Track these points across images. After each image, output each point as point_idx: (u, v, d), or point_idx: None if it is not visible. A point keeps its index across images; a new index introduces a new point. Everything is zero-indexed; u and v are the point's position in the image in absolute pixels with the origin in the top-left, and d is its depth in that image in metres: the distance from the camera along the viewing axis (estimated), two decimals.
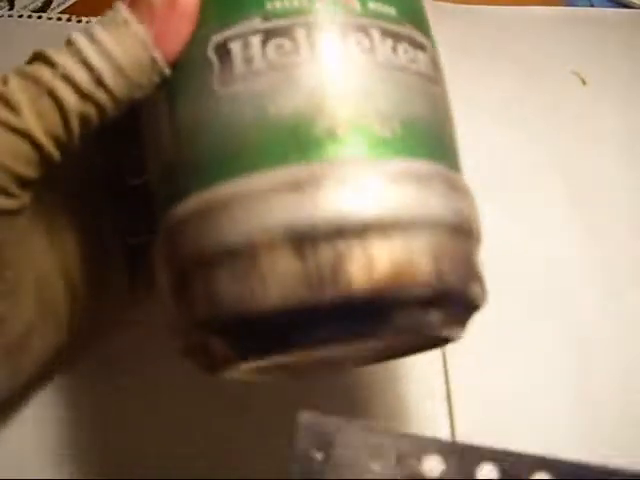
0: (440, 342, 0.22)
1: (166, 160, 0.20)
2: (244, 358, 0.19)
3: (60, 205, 0.24)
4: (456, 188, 0.20)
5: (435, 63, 0.22)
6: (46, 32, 0.41)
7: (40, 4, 0.43)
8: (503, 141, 0.37)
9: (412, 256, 0.18)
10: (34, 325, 0.24)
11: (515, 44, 0.42)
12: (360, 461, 0.17)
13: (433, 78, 0.21)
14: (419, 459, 0.17)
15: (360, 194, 0.18)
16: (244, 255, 0.18)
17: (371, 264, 0.18)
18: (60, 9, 0.43)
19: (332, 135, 0.19)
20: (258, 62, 0.19)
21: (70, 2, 0.43)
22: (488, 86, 0.39)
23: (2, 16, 0.42)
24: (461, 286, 0.19)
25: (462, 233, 0.20)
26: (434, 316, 0.19)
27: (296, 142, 0.19)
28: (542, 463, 0.17)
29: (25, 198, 0.20)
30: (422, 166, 0.19)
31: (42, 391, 0.28)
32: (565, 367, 0.30)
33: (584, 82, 0.40)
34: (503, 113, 0.38)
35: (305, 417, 0.18)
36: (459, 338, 0.21)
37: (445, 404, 0.29)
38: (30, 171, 0.20)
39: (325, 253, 0.18)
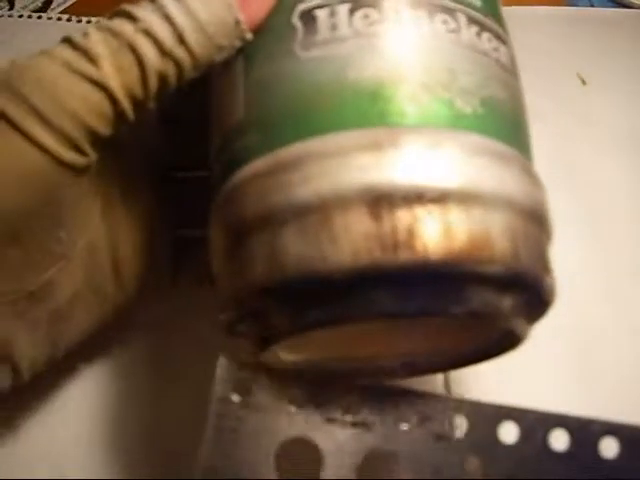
0: (506, 343, 0.20)
1: (235, 121, 0.20)
2: (306, 327, 0.18)
3: (119, 179, 0.24)
4: (532, 176, 0.19)
5: (513, 60, 0.22)
6: (46, 32, 0.41)
7: (40, 4, 0.43)
8: None
9: (491, 231, 0.17)
10: (81, 295, 0.23)
11: (515, 44, 0.41)
12: (277, 404, 0.19)
13: (511, 71, 0.21)
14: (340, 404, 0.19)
15: (442, 161, 0.17)
16: (315, 214, 0.17)
17: (449, 232, 0.17)
18: (60, 9, 0.43)
19: (415, 100, 0.18)
20: (343, 29, 0.19)
21: (70, 2, 0.43)
22: None
23: (2, 16, 0.42)
24: (537, 273, 0.18)
25: (537, 221, 0.19)
26: (508, 301, 0.18)
27: (376, 105, 0.18)
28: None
29: (93, 157, 0.19)
30: (501, 147, 0.19)
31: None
32: (565, 367, 0.29)
33: (584, 82, 0.39)
34: None
35: (223, 362, 0.18)
36: (526, 338, 0.20)
37: None
38: (103, 127, 0.19)
39: (402, 216, 0.17)
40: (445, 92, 0.19)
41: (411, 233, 0.17)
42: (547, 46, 0.41)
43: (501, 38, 0.21)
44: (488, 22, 0.21)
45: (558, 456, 0.19)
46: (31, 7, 0.43)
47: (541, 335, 0.28)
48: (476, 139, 0.18)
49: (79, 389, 0.27)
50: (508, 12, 0.44)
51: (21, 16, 0.42)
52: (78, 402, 0.27)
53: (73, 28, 0.41)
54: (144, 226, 0.25)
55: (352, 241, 0.17)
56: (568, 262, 0.31)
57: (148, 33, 0.19)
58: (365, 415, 0.20)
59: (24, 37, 0.40)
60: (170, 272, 0.27)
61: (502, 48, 0.21)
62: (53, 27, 0.41)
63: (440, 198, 0.17)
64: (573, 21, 0.43)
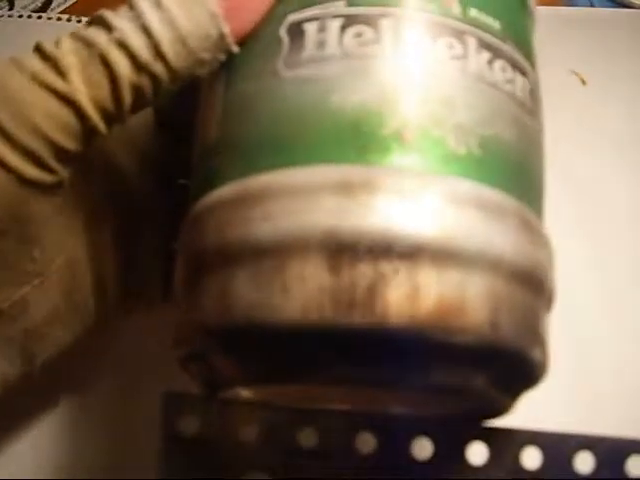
0: (487, 413, 0.18)
1: (210, 139, 0.18)
2: (248, 382, 0.16)
3: (102, 193, 0.22)
4: (533, 232, 0.17)
5: (534, 94, 0.19)
6: (46, 32, 0.40)
7: (40, 4, 0.43)
8: None
9: (466, 295, 0.15)
10: (59, 312, 0.22)
11: None
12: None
13: (529, 108, 0.18)
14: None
15: (418, 210, 0.15)
16: (271, 257, 0.15)
17: (416, 294, 0.15)
18: (60, 9, 0.43)
19: (399, 139, 0.16)
20: (332, 47, 0.17)
21: (70, 2, 0.43)
22: None
23: (2, 16, 0.42)
24: (519, 346, 0.16)
25: (531, 285, 0.16)
26: (481, 377, 0.16)
27: (356, 139, 0.16)
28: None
29: (63, 174, 0.18)
30: (496, 196, 0.16)
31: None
32: (564, 367, 0.27)
33: (584, 82, 0.39)
34: None
35: (169, 394, 0.17)
36: (507, 413, 0.18)
37: None
38: (71, 143, 0.17)
39: (364, 271, 0.15)
40: (437, 129, 0.16)
41: (371, 292, 0.15)
42: (547, 46, 0.40)
43: (519, 68, 0.18)
44: (505, 48, 0.18)
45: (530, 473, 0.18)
46: (31, 7, 0.43)
47: None
48: (465, 186, 0.16)
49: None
50: None
51: (21, 16, 0.42)
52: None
53: (73, 28, 0.39)
54: (132, 241, 0.23)
55: (304, 294, 0.15)
56: (567, 262, 0.31)
57: (122, 44, 0.17)
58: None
59: (24, 37, 0.40)
60: (162, 286, 0.25)
61: (519, 80, 0.18)
62: (53, 27, 0.41)
63: (410, 254, 0.15)
64: (573, 21, 0.43)
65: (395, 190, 0.15)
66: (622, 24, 0.43)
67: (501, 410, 0.18)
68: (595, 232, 0.33)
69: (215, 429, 0.17)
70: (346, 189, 0.15)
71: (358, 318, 0.15)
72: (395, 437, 0.17)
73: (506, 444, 0.18)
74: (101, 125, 0.17)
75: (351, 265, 0.15)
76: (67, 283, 0.22)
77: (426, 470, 0.17)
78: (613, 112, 0.38)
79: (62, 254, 0.21)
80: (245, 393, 0.18)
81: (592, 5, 0.46)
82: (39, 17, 0.42)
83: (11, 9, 0.43)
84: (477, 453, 0.18)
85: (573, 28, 0.42)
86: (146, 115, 0.24)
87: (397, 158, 0.16)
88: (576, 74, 0.39)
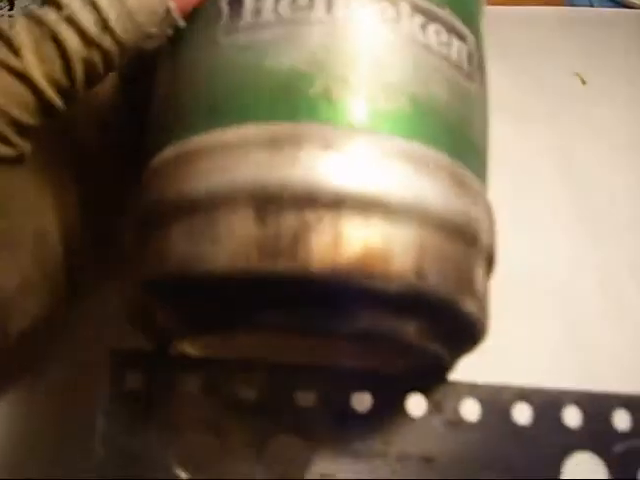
0: (432, 371, 0.18)
1: (159, 103, 0.19)
2: (187, 333, 0.17)
3: (70, 163, 0.23)
4: (465, 188, 0.17)
5: (473, 58, 0.19)
6: None
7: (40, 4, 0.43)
8: (502, 141, 0.36)
9: (390, 244, 0.15)
10: (30, 283, 0.22)
11: (515, 44, 0.41)
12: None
13: (466, 72, 0.19)
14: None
15: (342, 162, 0.16)
16: (203, 211, 0.16)
17: (338, 242, 0.15)
18: None
19: (327, 96, 0.17)
20: (267, 14, 0.18)
21: None
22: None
23: (2, 16, 0.42)
24: (447, 295, 0.16)
25: (462, 239, 0.17)
26: (411, 326, 0.16)
27: (286, 99, 0.17)
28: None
29: (24, 147, 0.19)
30: (425, 151, 0.17)
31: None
32: (565, 368, 0.29)
33: (584, 82, 0.40)
34: (503, 113, 0.37)
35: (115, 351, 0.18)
36: (454, 363, 0.18)
37: None
38: (28, 117, 0.18)
39: (289, 220, 0.15)
40: (365, 87, 0.17)
41: (295, 240, 0.15)
42: (546, 46, 0.41)
43: (457, 32, 0.19)
44: (442, 14, 0.19)
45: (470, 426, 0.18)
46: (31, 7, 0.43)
47: (539, 334, 0.29)
48: (392, 140, 0.16)
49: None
50: (508, 12, 0.44)
51: None
52: None
53: None
54: (101, 212, 0.24)
55: (233, 244, 0.15)
56: (567, 262, 0.31)
57: (71, 21, 0.18)
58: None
59: None
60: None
61: (456, 43, 0.19)
62: None
63: (334, 203, 0.15)
64: (572, 21, 0.43)
65: (320, 143, 0.16)
66: (622, 24, 0.43)
67: (446, 368, 0.18)
68: (595, 232, 0.33)
69: (158, 384, 0.17)
70: (274, 144, 0.16)
71: (282, 265, 0.15)
72: (334, 391, 0.18)
73: (445, 396, 0.18)
74: (56, 99, 0.18)
75: (277, 215, 0.15)
76: (38, 253, 0.22)
77: (366, 422, 0.18)
78: (613, 112, 0.38)
79: (31, 224, 0.22)
80: (191, 350, 0.19)
81: (592, 5, 0.46)
82: None
83: (11, 9, 0.43)
84: (416, 405, 0.18)
85: (573, 28, 0.43)
86: (110, 84, 0.25)
87: (324, 114, 0.17)
88: (576, 74, 0.40)
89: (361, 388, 0.18)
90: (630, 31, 0.43)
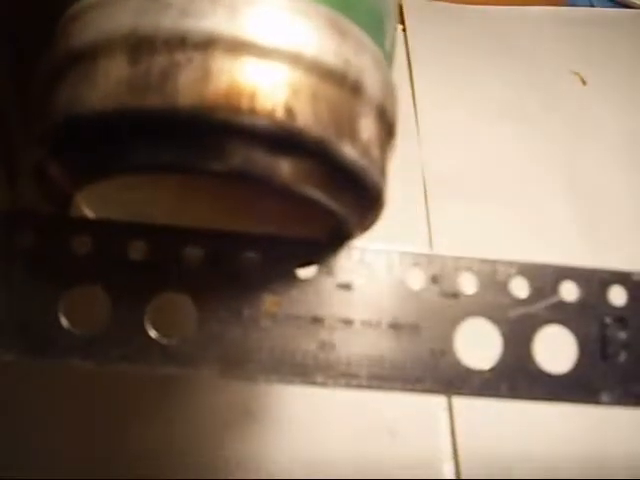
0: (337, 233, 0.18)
1: None
2: (76, 184, 0.17)
3: None
4: (347, 37, 0.17)
5: None
6: None
7: None
8: (503, 141, 0.36)
9: (259, 81, 0.16)
10: None
11: (515, 44, 0.42)
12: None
13: None
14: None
15: (215, 7, 0.16)
16: (86, 60, 0.17)
17: (205, 77, 0.15)
18: None
19: None
20: None
21: None
22: (488, 86, 0.39)
23: None
24: (319, 135, 0.16)
25: (338, 83, 0.17)
26: (284, 164, 0.16)
27: None
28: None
29: None
30: (305, 3, 0.17)
31: None
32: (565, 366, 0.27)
33: (584, 82, 0.40)
34: (503, 113, 0.38)
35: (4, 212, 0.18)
36: (354, 222, 0.18)
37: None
38: None
39: (159, 60, 0.16)
40: None
41: (164, 77, 0.16)
42: (547, 46, 0.42)
43: None
44: None
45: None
46: None
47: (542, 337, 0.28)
48: None
49: None
50: (508, 12, 0.45)
51: None
52: None
53: None
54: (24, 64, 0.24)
55: (107, 86, 0.16)
56: (567, 262, 0.30)
57: None
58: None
59: None
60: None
61: None
62: None
63: (204, 44, 0.16)
64: (573, 21, 0.43)
65: None
66: (622, 24, 0.44)
67: (347, 230, 0.18)
68: (595, 232, 0.33)
69: (50, 243, 0.17)
70: None
71: (150, 100, 0.15)
72: (223, 252, 0.18)
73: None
74: None
75: (148, 57, 0.16)
76: None
77: (255, 281, 0.18)
78: (613, 112, 0.38)
79: None
80: (90, 212, 0.19)
81: (592, 5, 0.47)
82: None
83: None
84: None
85: (573, 28, 0.43)
86: None
87: None
88: (576, 74, 0.40)
89: (250, 249, 0.18)
90: (630, 31, 0.43)
